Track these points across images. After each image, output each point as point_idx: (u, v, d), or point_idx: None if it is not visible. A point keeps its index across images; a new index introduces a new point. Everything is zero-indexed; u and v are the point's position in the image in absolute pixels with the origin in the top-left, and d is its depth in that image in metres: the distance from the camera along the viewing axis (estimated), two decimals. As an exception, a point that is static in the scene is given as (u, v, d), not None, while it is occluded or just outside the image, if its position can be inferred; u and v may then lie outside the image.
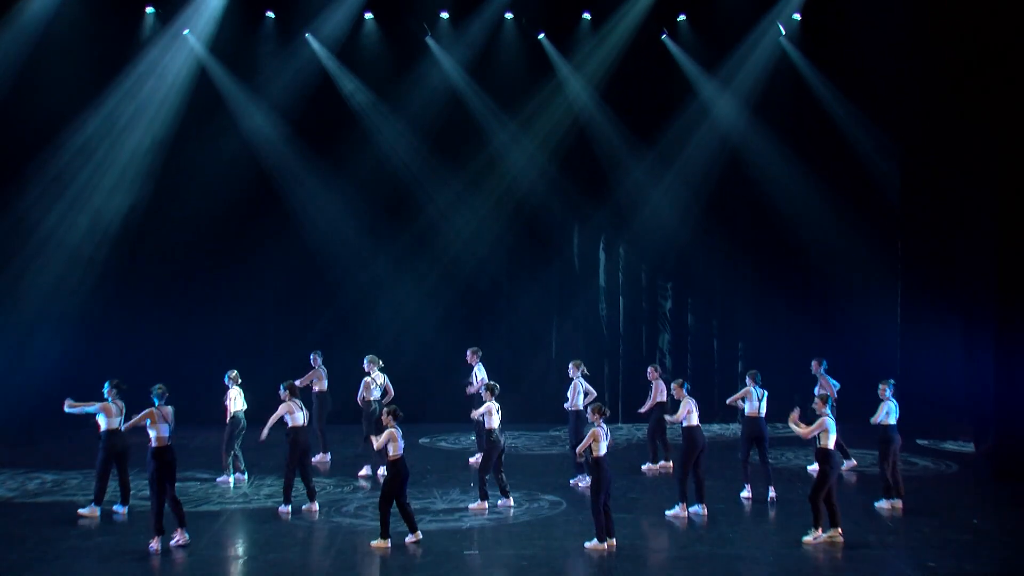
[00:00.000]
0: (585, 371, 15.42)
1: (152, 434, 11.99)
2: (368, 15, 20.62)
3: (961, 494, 14.93)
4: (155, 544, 11.77)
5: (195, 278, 20.65)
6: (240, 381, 15.45)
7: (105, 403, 13.31)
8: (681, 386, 13.72)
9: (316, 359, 17.03)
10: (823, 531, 12.11)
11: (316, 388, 16.95)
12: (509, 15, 20.67)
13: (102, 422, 13.29)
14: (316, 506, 13.65)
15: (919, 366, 19.58)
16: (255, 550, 12.26)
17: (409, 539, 12.07)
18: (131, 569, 11.35)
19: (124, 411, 13.36)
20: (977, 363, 17.65)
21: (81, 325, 19.56)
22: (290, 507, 13.54)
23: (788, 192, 20.99)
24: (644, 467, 16.22)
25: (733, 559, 11.74)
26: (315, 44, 20.43)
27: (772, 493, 14.16)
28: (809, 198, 20.97)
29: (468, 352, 16.84)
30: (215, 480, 15.30)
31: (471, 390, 16.59)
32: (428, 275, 21.02)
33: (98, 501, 13.37)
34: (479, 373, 16.73)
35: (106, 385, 13.40)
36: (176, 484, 12.13)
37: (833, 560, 11.73)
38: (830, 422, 12.21)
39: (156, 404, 12.18)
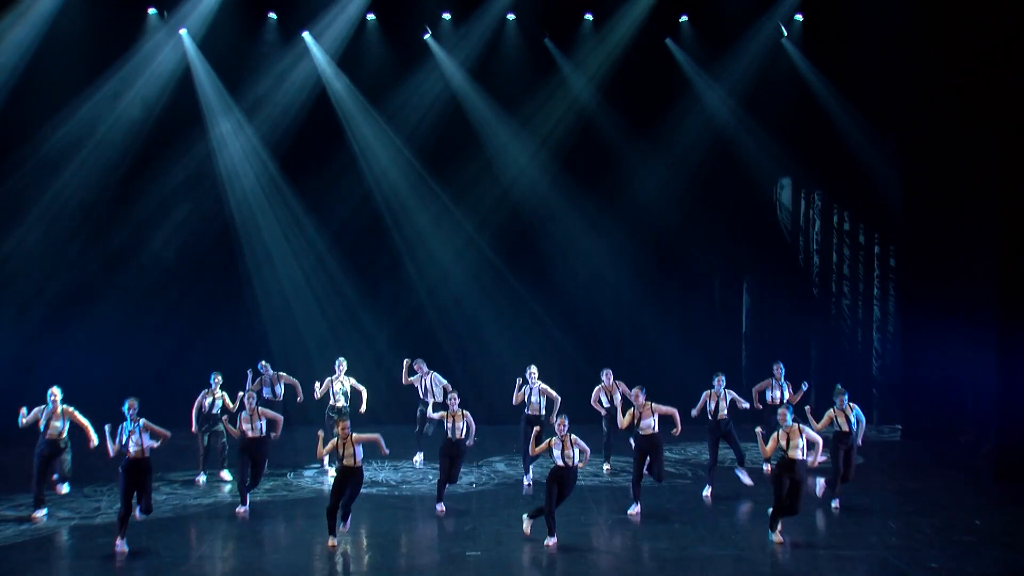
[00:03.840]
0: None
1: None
2: (370, 16, 20.55)
3: (961, 494, 14.93)
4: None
5: (195, 283, 20.56)
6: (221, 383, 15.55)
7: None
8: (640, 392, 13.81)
9: (267, 368, 16.65)
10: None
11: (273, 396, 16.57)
12: (511, 16, 20.65)
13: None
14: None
15: (919, 366, 19.55)
16: (257, 550, 12.27)
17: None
18: (132, 570, 11.36)
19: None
20: (978, 363, 17.65)
21: (81, 332, 19.51)
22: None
23: (788, 192, 20.97)
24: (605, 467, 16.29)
25: (734, 560, 11.75)
26: (313, 45, 20.35)
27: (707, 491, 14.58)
28: (809, 198, 20.94)
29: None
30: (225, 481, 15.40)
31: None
32: (425, 275, 20.95)
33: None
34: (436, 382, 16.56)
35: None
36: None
37: (834, 560, 11.74)
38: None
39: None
